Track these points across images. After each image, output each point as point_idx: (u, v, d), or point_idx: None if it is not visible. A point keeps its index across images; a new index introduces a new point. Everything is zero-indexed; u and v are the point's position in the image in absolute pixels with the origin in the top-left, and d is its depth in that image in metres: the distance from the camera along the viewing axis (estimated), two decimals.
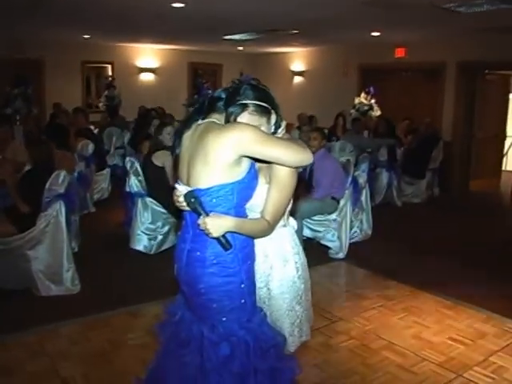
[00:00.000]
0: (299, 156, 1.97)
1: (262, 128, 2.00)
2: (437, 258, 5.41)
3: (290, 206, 2.18)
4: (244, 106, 1.99)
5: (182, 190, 1.96)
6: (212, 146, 1.90)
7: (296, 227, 2.33)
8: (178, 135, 2.14)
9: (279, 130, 2.11)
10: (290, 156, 1.95)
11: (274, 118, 2.07)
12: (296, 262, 2.20)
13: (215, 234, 1.88)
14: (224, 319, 2.03)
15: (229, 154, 1.89)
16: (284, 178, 2.02)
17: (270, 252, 2.16)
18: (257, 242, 2.11)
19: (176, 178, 2.14)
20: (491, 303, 4.16)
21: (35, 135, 6.47)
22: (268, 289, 2.19)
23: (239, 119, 1.98)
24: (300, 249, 2.27)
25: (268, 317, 2.16)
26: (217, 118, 2.06)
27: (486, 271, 5.03)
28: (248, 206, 2.08)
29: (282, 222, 2.18)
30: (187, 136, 2.08)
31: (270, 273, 2.17)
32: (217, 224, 1.88)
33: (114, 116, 10.11)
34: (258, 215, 2.06)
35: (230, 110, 2.00)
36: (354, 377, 3.13)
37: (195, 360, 2.03)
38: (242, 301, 2.03)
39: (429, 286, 4.50)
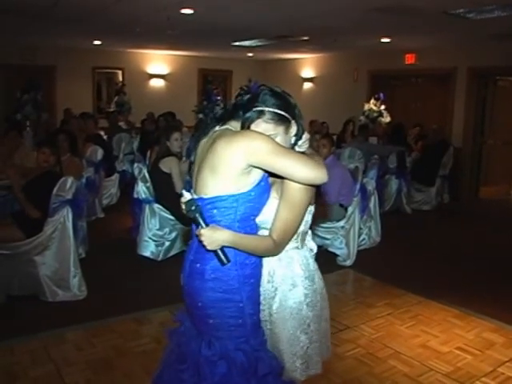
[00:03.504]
0: (313, 173, 1.81)
1: (278, 138, 1.86)
2: (446, 266, 5.36)
3: (302, 226, 2.01)
4: (259, 113, 1.85)
5: (186, 196, 1.84)
6: (222, 152, 1.81)
7: (315, 250, 2.13)
8: (195, 141, 2.05)
9: (300, 142, 1.97)
10: (302, 172, 1.80)
11: (294, 128, 1.93)
12: (305, 288, 2.02)
13: (209, 247, 1.79)
14: (221, 336, 1.94)
15: (238, 163, 1.79)
16: (295, 195, 1.87)
17: (277, 273, 2.01)
18: (264, 261, 2.00)
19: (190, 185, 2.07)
20: (500, 313, 4.11)
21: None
22: (270, 312, 2.03)
23: (254, 126, 1.86)
24: (315, 274, 2.07)
25: (268, 341, 2.04)
26: (234, 125, 1.95)
27: (495, 280, 4.99)
28: (258, 221, 1.96)
29: (293, 244, 2.01)
30: (203, 143, 1.99)
31: (274, 295, 2.02)
32: (212, 236, 1.78)
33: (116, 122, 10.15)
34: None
35: (246, 115, 1.88)
36: None
37: (193, 378, 1.97)
38: (240, 320, 1.93)
39: (437, 294, 4.45)
